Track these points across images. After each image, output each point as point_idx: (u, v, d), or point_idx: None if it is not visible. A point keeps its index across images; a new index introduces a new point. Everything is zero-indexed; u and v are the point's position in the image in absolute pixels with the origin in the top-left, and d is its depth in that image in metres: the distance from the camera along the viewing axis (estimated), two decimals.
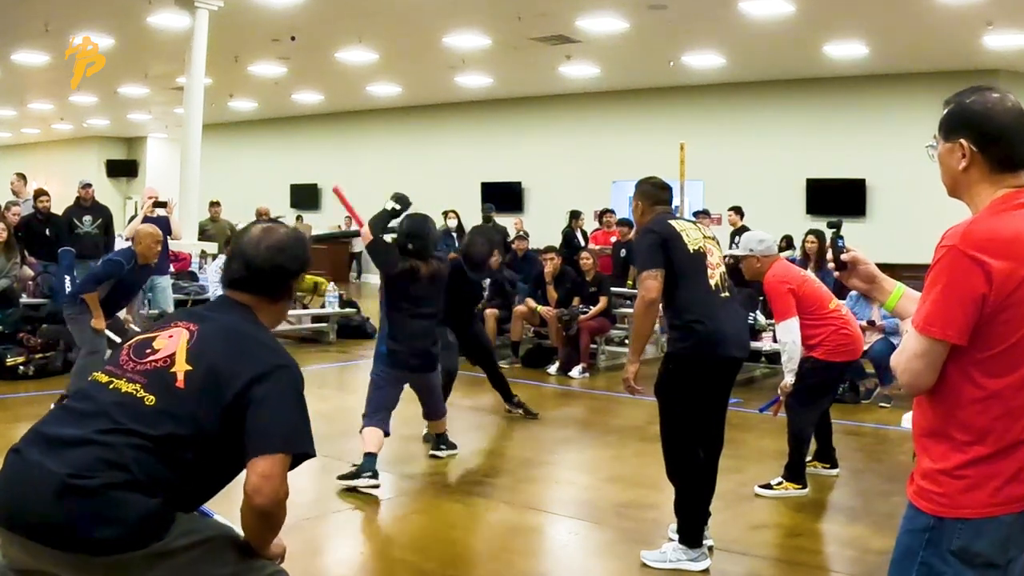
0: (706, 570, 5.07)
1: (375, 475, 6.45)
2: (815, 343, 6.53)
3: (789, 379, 6.58)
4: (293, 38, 16.94)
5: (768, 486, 6.65)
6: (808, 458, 7.03)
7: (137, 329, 9.17)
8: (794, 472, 6.65)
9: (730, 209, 15.76)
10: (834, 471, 7.12)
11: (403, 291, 6.67)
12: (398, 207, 6.77)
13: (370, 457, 6.50)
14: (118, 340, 8.35)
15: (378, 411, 6.72)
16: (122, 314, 8.68)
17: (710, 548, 5.24)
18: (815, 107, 19.12)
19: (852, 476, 7.06)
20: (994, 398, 2.38)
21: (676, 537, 5.17)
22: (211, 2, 14.53)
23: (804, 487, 6.64)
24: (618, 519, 6.06)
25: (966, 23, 13.87)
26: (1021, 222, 2.41)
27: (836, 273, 2.86)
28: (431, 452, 7.50)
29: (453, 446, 7.51)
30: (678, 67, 18.51)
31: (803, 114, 19.29)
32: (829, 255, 2.84)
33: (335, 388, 10.77)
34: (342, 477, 6.55)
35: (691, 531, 5.09)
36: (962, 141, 2.48)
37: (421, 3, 14.64)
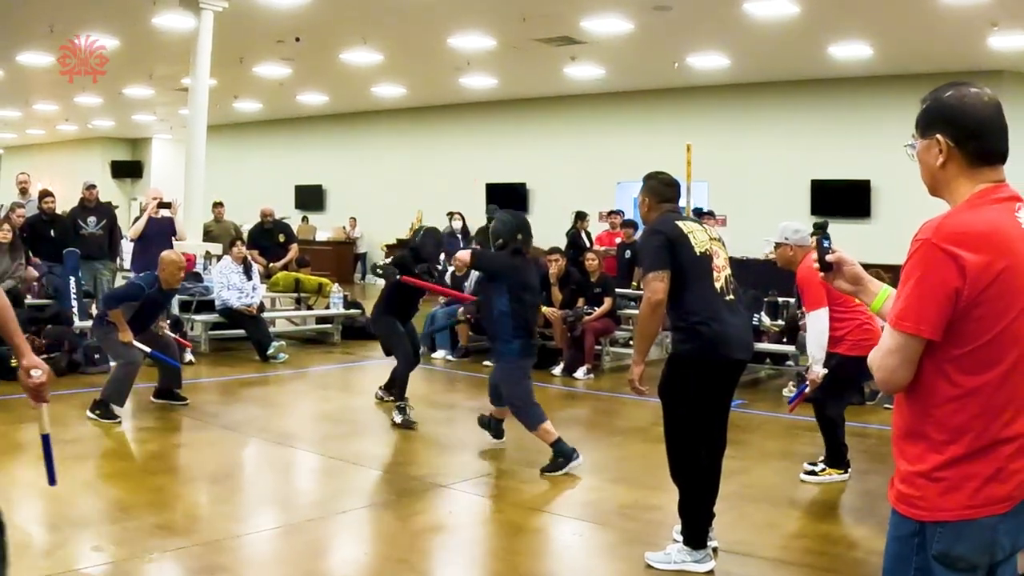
0: (710, 571, 5.06)
1: (576, 453, 7.08)
2: (840, 336, 6.66)
3: (817, 368, 6.72)
4: (298, 39, 16.95)
5: (812, 472, 6.92)
6: (820, 460, 7.11)
7: (170, 334, 9.28)
8: (834, 457, 6.90)
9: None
10: (845, 475, 7.15)
11: (524, 283, 7.23)
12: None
13: (560, 442, 7.09)
14: (148, 350, 8.49)
15: (533, 403, 7.27)
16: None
17: (715, 549, 5.23)
18: (820, 108, 19.11)
19: (857, 477, 7.04)
20: (971, 396, 2.35)
21: (680, 538, 5.16)
22: (216, 3, 14.53)
23: (846, 471, 6.90)
24: (622, 520, 6.05)
25: (971, 24, 13.86)
26: (997, 215, 2.38)
27: (821, 274, 2.80)
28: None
29: (501, 435, 7.95)
30: (683, 68, 18.50)
31: (808, 115, 19.27)
32: (814, 256, 2.81)
33: (339, 389, 10.77)
34: (547, 470, 7.04)
35: (695, 532, 5.08)
36: (938, 137, 2.45)
37: (426, 4, 14.64)
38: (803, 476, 6.98)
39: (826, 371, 6.69)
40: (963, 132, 2.43)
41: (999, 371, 2.35)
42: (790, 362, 11.16)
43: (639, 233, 14.04)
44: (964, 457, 2.35)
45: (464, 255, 7.39)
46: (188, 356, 11.45)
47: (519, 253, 7.28)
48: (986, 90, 2.49)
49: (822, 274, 2.80)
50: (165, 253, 9.01)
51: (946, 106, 2.47)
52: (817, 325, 6.61)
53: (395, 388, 8.72)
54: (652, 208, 5.38)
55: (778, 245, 7.02)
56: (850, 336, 6.63)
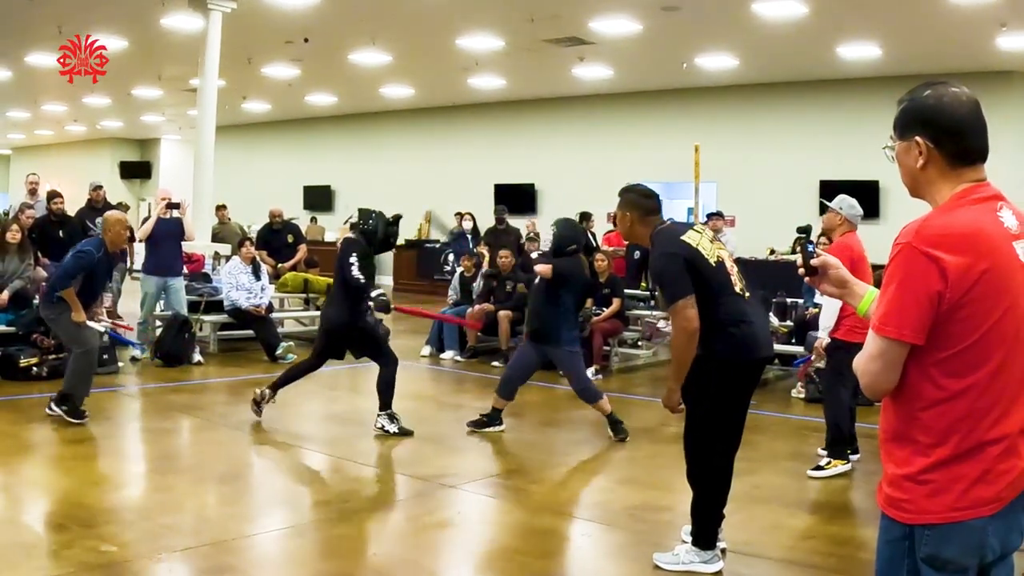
0: (719, 572, 5.06)
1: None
2: (841, 315, 6.86)
3: (823, 335, 7.10)
4: (306, 40, 16.96)
5: (819, 468, 7.11)
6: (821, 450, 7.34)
7: (107, 320, 9.13)
8: (835, 449, 7.11)
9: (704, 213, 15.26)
10: (854, 456, 7.33)
11: (585, 284, 8.53)
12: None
13: (613, 413, 8.20)
14: (101, 329, 8.29)
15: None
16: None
17: (723, 551, 5.22)
18: (828, 109, 19.07)
19: (866, 478, 7.02)
20: (956, 398, 2.32)
21: (689, 539, 5.15)
22: (224, 4, 14.55)
23: (848, 462, 7.14)
24: (631, 521, 6.05)
25: (979, 24, 13.82)
26: (978, 215, 2.35)
27: (806, 279, 2.78)
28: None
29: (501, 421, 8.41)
30: (691, 69, 18.48)
31: (816, 115, 19.24)
32: (799, 260, 2.78)
33: (347, 390, 10.77)
34: (620, 439, 8.10)
35: (705, 533, 5.08)
36: (917, 138, 2.42)
37: (434, 5, 14.64)
38: (810, 473, 7.10)
39: (829, 340, 7.02)
40: (942, 133, 2.40)
41: (984, 373, 2.32)
42: (799, 362, 11.14)
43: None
44: (950, 459, 2.34)
45: (546, 268, 8.13)
46: (197, 356, 11.50)
47: (576, 254, 8.26)
48: (964, 89, 2.46)
49: (807, 278, 2.78)
50: (108, 213, 8.73)
51: (924, 107, 2.44)
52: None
53: (385, 394, 8.17)
54: (637, 222, 5.26)
55: (830, 210, 7.22)
56: (847, 322, 6.83)
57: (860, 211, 7.22)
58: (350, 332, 8.27)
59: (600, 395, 8.21)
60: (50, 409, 8.05)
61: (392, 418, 8.13)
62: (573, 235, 8.32)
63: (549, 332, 8.11)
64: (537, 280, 8.28)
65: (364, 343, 8.41)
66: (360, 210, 8.54)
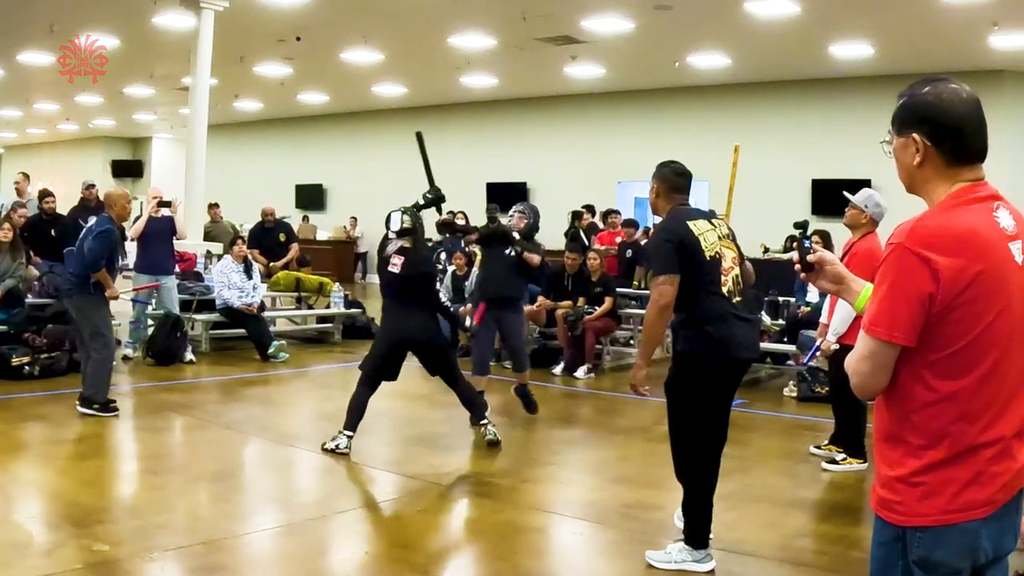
0: (712, 571, 5.06)
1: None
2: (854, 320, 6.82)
3: (831, 338, 7.01)
4: (298, 38, 16.95)
5: (833, 461, 7.16)
6: (825, 441, 7.42)
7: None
8: (853, 447, 7.11)
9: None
10: (864, 465, 7.30)
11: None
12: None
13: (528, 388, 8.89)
14: (128, 299, 8.62)
15: None
16: None
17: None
18: (821, 108, 19.08)
19: (858, 477, 7.04)
20: (948, 401, 2.30)
21: (682, 523, 5.16)
22: (216, 2, 14.54)
23: (865, 461, 7.03)
24: (623, 520, 6.05)
25: (972, 23, 13.85)
26: (973, 216, 2.32)
27: (802, 275, 2.77)
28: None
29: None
30: (683, 67, 18.49)
31: (809, 114, 19.25)
32: (796, 256, 2.78)
33: (340, 388, 10.74)
34: (530, 413, 8.80)
35: (698, 532, 5.08)
36: (915, 135, 2.40)
37: (426, 4, 14.64)
38: (825, 465, 7.17)
39: (837, 347, 6.89)
40: (940, 131, 2.38)
41: (976, 375, 2.30)
42: (790, 361, 11.16)
43: (639, 232, 14.03)
44: (943, 462, 2.32)
45: (536, 259, 8.72)
46: (189, 355, 11.48)
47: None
48: (964, 87, 2.43)
49: (803, 274, 2.76)
50: (111, 189, 9.08)
51: (923, 104, 2.41)
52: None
53: (478, 405, 7.88)
54: (661, 196, 5.30)
55: (853, 206, 7.06)
56: (857, 325, 6.71)
57: (885, 208, 6.96)
58: (434, 346, 7.74)
59: (527, 365, 8.94)
60: (82, 409, 8.32)
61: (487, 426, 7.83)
62: (538, 225, 9.26)
63: (511, 297, 8.72)
64: (507, 252, 8.70)
65: (445, 360, 7.79)
66: (407, 214, 7.87)
